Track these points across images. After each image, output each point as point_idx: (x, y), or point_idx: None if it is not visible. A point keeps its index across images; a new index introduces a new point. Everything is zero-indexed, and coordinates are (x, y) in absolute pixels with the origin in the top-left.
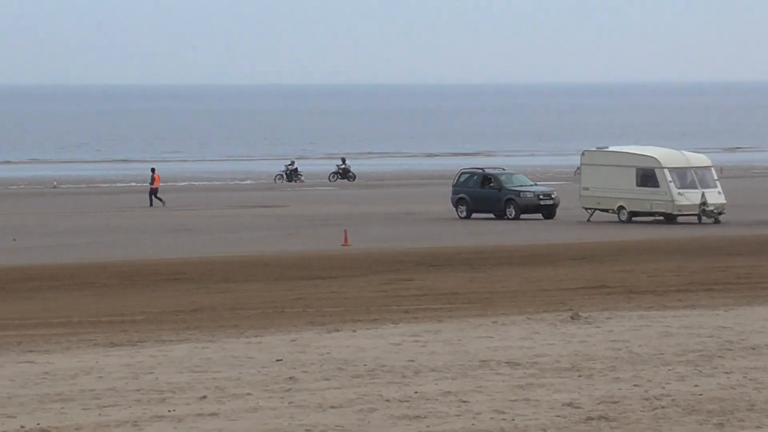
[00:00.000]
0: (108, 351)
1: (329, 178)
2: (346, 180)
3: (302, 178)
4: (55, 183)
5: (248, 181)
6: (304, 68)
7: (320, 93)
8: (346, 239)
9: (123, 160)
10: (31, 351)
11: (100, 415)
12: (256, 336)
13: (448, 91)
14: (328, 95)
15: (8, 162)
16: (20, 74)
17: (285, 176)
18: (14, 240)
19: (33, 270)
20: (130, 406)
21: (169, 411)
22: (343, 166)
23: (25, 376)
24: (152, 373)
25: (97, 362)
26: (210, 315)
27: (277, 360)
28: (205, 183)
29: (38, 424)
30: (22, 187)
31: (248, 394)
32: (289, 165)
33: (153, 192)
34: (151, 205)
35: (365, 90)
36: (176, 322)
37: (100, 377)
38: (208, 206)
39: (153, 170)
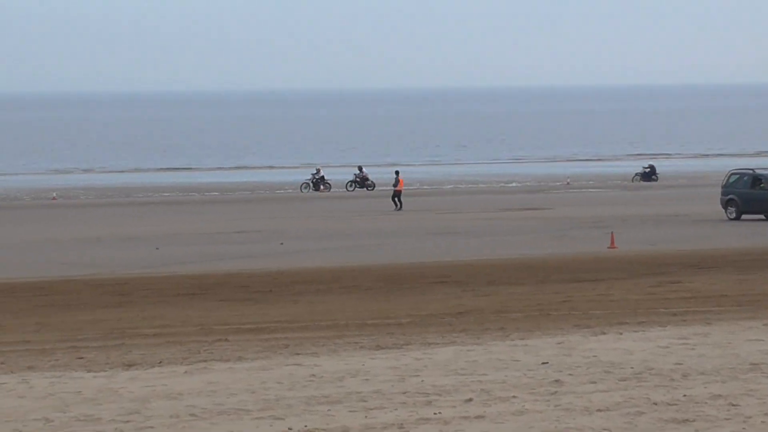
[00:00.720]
0: (374, 354)
1: (346, 187)
2: (365, 189)
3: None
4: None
5: (514, 184)
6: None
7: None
8: (612, 241)
9: (391, 164)
10: (298, 354)
11: (366, 417)
12: (522, 339)
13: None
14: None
15: (271, 167)
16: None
17: (311, 184)
18: (281, 244)
19: (300, 273)
20: (396, 409)
21: (435, 414)
22: (361, 174)
23: (292, 378)
24: (418, 375)
25: (363, 365)
26: (476, 318)
27: (543, 363)
28: (471, 186)
29: (306, 426)
30: (289, 191)
31: (514, 396)
32: (315, 173)
33: (396, 194)
34: (396, 207)
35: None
36: (442, 325)
37: (366, 380)
38: (474, 209)
39: (397, 173)
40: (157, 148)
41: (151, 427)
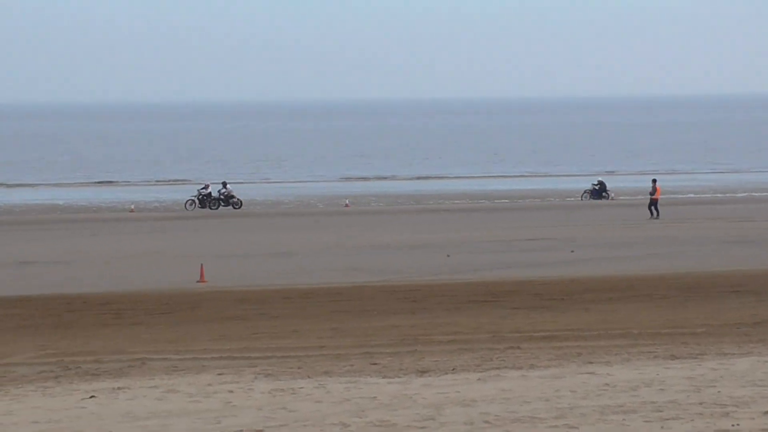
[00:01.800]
0: (668, 363)
1: (209, 206)
2: (230, 207)
3: (238, 201)
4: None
5: None
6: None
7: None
8: None
9: (670, 172)
10: (591, 362)
11: (662, 427)
12: None
13: None
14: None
15: (548, 175)
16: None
17: (197, 201)
18: (572, 251)
19: (591, 281)
20: (692, 420)
21: (732, 425)
22: (225, 191)
23: (586, 387)
24: (714, 386)
25: (657, 374)
26: None
27: None
28: (766, 194)
29: None
30: (576, 199)
31: None
32: (202, 189)
33: (653, 202)
34: (651, 216)
35: None
36: (738, 335)
37: (661, 389)
38: None
39: (654, 181)
40: (448, 154)
41: None
